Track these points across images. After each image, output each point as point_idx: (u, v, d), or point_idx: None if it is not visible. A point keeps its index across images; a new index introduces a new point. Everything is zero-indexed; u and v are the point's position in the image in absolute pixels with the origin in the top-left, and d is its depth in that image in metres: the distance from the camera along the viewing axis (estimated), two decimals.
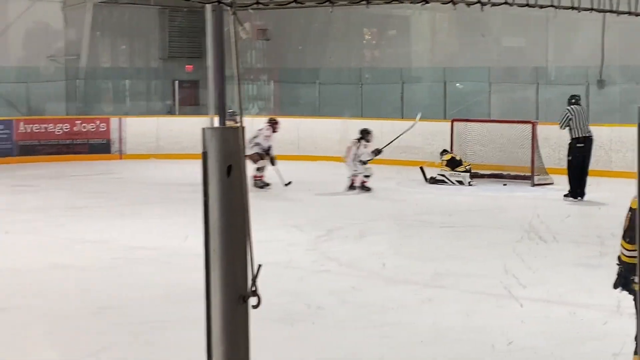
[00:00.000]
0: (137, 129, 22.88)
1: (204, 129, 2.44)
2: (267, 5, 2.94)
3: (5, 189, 16.96)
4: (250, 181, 15.45)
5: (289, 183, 16.15)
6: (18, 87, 23.27)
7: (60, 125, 22.72)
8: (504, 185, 17.07)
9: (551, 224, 11.28)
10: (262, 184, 16.27)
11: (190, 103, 25.30)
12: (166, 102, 25.44)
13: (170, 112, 24.97)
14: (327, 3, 2.84)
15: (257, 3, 2.68)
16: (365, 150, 16.08)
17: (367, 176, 15.97)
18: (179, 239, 11.35)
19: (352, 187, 16.03)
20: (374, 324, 7.48)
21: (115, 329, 7.41)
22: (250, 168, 15.56)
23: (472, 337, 7.08)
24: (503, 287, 8.11)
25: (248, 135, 15.41)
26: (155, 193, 16.38)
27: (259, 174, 16.32)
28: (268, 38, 24.82)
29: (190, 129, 21.49)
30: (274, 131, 16.66)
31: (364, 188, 15.91)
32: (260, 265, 2.52)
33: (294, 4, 2.76)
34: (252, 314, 2.64)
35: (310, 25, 23.90)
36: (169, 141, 22.66)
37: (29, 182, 17.97)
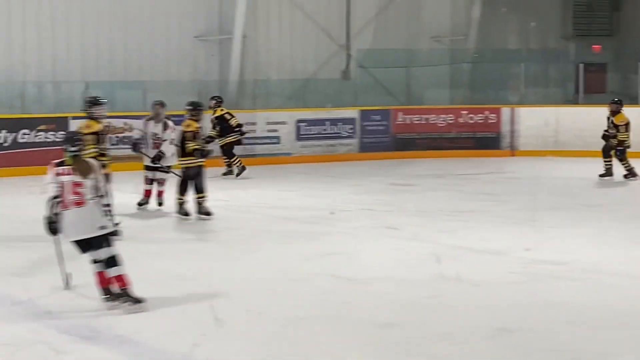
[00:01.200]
0: (533, 120, 22.65)
1: None
2: None
3: (384, 188, 17.49)
4: None
5: None
6: (397, 72, 23.94)
7: (443, 116, 23.08)
8: None
9: None
10: None
11: (596, 90, 24.67)
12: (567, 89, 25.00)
13: (572, 100, 24.45)
14: None
15: None
16: None
17: None
18: (591, 254, 11.04)
19: None
20: None
21: (516, 355, 7.21)
22: None
23: None
24: None
25: None
26: (555, 197, 16.07)
27: None
28: None
29: (596, 121, 20.85)
30: None
31: None
32: None
33: None
34: None
35: None
36: (570, 135, 22.18)
37: (409, 180, 18.42)
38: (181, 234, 12.94)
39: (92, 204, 8.61)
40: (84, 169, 8.68)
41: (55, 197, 8.63)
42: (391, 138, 22.82)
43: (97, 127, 12.51)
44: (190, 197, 13.79)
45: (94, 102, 12.74)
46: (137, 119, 18.85)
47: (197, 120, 13.96)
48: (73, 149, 8.75)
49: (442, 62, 24.63)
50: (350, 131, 22.50)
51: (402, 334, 7.80)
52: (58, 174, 8.65)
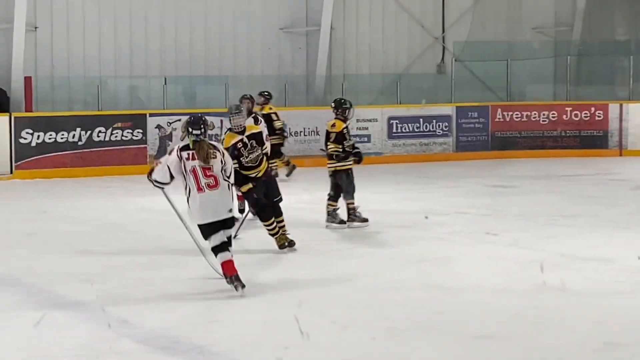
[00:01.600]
0: None
1: None
2: None
3: (483, 190, 17.51)
4: None
5: None
6: (496, 65, 23.80)
7: (546, 112, 22.90)
8: None
9: None
10: None
11: None
12: None
13: None
14: None
15: None
16: None
17: None
18: None
19: None
20: None
21: None
22: None
23: None
24: None
25: None
26: None
27: None
28: None
29: None
30: None
31: None
32: None
33: None
34: None
35: None
36: None
37: (509, 182, 18.38)
38: (259, 240, 12.86)
39: (225, 186, 9.11)
40: (205, 154, 9.02)
41: (164, 183, 9.25)
42: (489, 136, 22.71)
43: (230, 141, 11.46)
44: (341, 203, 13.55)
45: (228, 111, 11.81)
46: (218, 115, 19.01)
47: (344, 120, 13.39)
48: (196, 132, 9.07)
49: (545, 54, 24.45)
50: (446, 129, 22.44)
51: (500, 347, 7.75)
52: (183, 159, 9.04)
